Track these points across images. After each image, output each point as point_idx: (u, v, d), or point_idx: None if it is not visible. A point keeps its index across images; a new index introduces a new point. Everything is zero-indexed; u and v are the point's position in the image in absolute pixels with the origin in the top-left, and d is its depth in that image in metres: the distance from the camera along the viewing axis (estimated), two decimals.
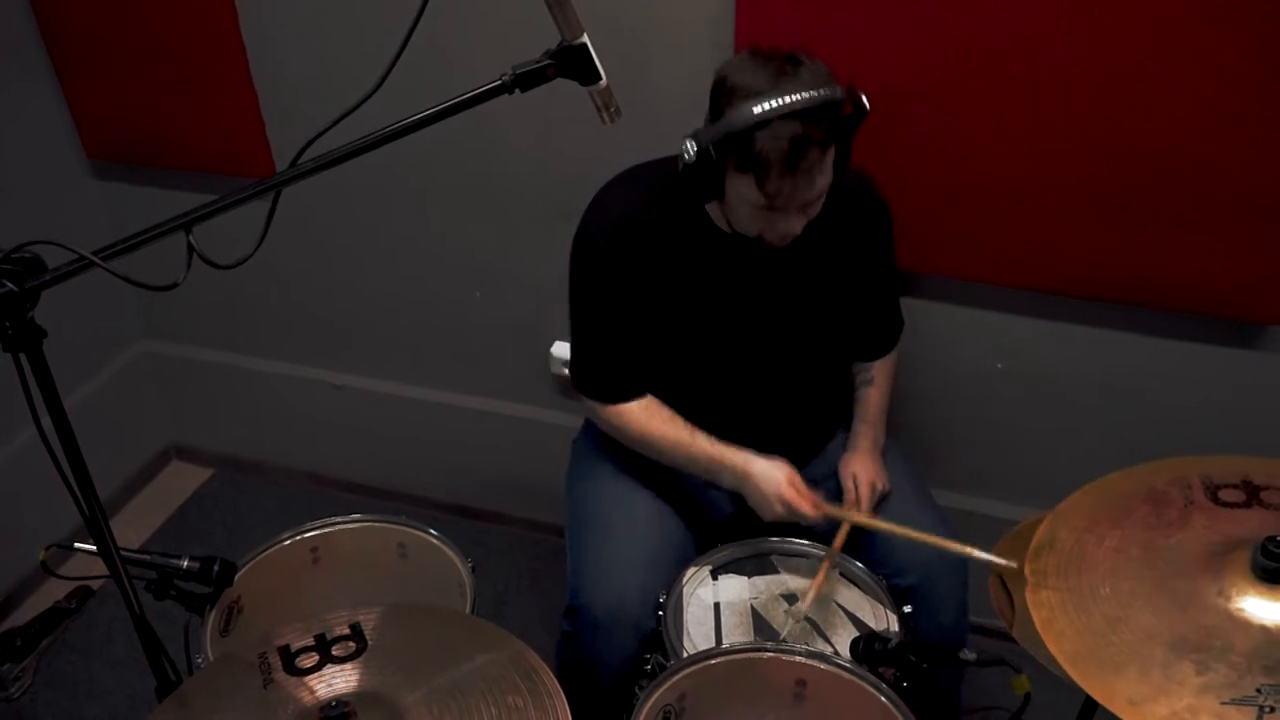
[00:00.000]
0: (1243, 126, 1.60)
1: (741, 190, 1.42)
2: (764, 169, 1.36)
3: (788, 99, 1.33)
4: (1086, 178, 1.72)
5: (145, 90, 2.23)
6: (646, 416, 1.66)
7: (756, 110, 1.33)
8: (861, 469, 1.72)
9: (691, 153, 1.38)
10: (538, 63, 1.04)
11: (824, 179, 1.42)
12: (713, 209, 1.57)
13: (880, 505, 1.72)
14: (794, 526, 1.75)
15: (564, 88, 1.07)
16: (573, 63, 1.04)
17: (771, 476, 1.58)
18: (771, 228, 1.47)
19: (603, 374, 1.67)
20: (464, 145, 2.08)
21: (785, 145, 1.34)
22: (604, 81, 1.06)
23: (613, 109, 1.09)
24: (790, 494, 1.57)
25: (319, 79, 2.06)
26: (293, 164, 1.04)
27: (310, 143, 1.05)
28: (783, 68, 1.36)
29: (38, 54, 2.26)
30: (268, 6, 2.06)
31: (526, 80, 1.04)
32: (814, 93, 1.34)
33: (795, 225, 1.46)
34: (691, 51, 1.83)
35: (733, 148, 1.36)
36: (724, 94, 1.38)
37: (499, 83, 1.04)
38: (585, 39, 1.03)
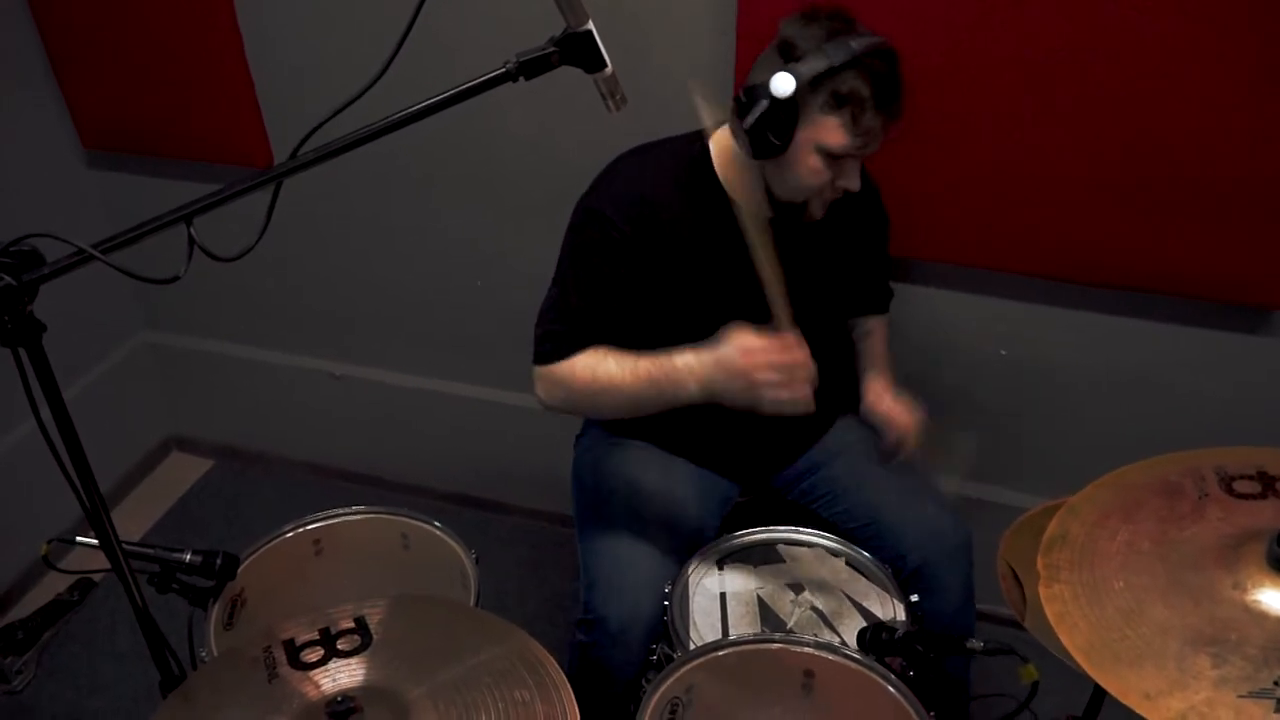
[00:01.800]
0: (1245, 111, 1.59)
1: (824, 134, 1.38)
2: (861, 103, 1.35)
3: (873, 40, 1.34)
4: (1090, 162, 1.71)
5: (141, 80, 2.21)
6: (591, 358, 1.51)
7: (854, 45, 1.33)
8: (889, 403, 1.72)
9: (785, 90, 1.34)
10: (542, 50, 1.02)
11: (889, 132, 1.42)
12: (737, 184, 1.53)
13: (877, 483, 1.72)
14: (804, 514, 1.75)
15: (565, 76, 1.06)
16: (578, 50, 1.02)
17: (730, 346, 1.39)
18: (831, 183, 1.45)
19: (562, 337, 1.54)
20: (465, 134, 2.06)
21: (881, 80, 1.35)
22: (609, 69, 1.04)
23: (618, 96, 1.07)
24: (760, 345, 1.37)
25: (316, 68, 2.04)
26: (293, 154, 1.03)
27: (311, 133, 1.03)
28: (847, 20, 1.38)
29: (33, 45, 2.24)
30: None
31: (531, 68, 1.02)
32: (884, 39, 1.36)
33: (854, 181, 1.45)
34: (693, 39, 1.81)
35: (827, 85, 1.35)
36: (803, 40, 1.36)
37: (503, 70, 1.02)
38: (590, 25, 1.01)
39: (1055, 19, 1.60)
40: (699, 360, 1.43)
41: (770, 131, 1.39)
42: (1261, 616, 0.94)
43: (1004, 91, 1.68)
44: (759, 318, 1.59)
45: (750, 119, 1.38)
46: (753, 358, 1.37)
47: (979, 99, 1.70)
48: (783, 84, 1.35)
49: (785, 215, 1.51)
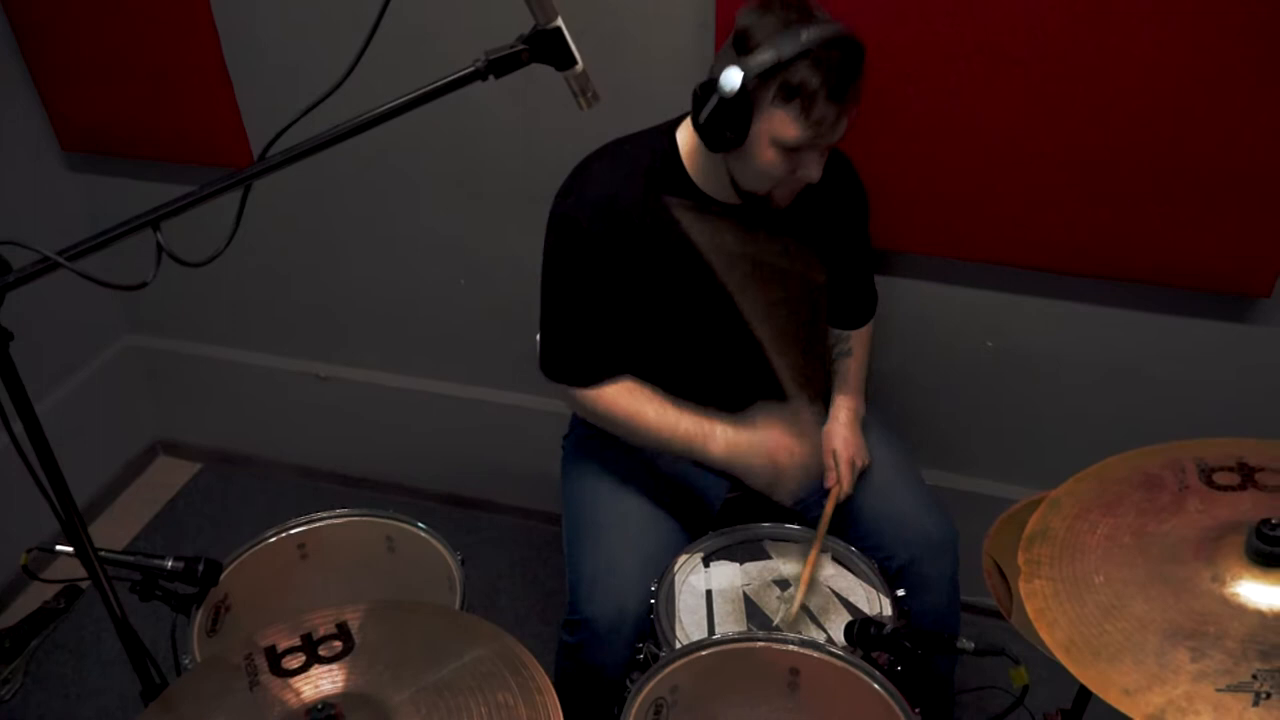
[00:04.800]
0: (1228, 100, 1.59)
1: (778, 127, 1.38)
2: (811, 95, 1.34)
3: (827, 30, 1.33)
4: (1072, 153, 1.70)
5: (119, 83, 2.19)
6: (629, 397, 1.62)
7: (804, 36, 1.32)
8: (841, 444, 1.70)
9: (733, 85, 1.34)
10: (511, 48, 1.01)
11: (848, 119, 1.41)
12: (704, 176, 1.53)
13: (862, 479, 1.71)
14: (786, 511, 1.74)
15: (545, 72, 1.05)
16: (547, 47, 1.01)
17: (768, 435, 1.55)
18: (793, 173, 1.44)
19: (577, 357, 1.63)
20: (446, 133, 2.05)
21: (833, 70, 1.33)
22: (580, 66, 1.03)
23: (589, 94, 1.06)
24: (796, 445, 1.55)
25: (294, 67, 2.03)
26: (261, 157, 1.01)
27: (279, 135, 1.02)
28: (804, 9, 1.37)
29: (9, 47, 2.22)
30: None
31: (500, 66, 1.01)
32: (843, 28, 1.35)
33: (814, 172, 1.44)
34: (674, 32, 1.80)
35: (777, 78, 1.34)
36: (756, 32, 1.36)
37: (472, 69, 1.01)
38: (560, 22, 1.00)
39: (1040, 10, 1.59)
40: (736, 435, 1.57)
41: (724, 126, 1.39)
42: (1240, 610, 0.93)
43: (986, 82, 1.67)
44: (730, 312, 1.60)
45: (704, 114, 1.38)
46: (790, 458, 1.55)
47: (960, 89, 1.69)
48: (730, 79, 1.35)
49: (752, 204, 1.51)
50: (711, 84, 1.37)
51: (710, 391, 1.66)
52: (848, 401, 1.76)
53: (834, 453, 1.69)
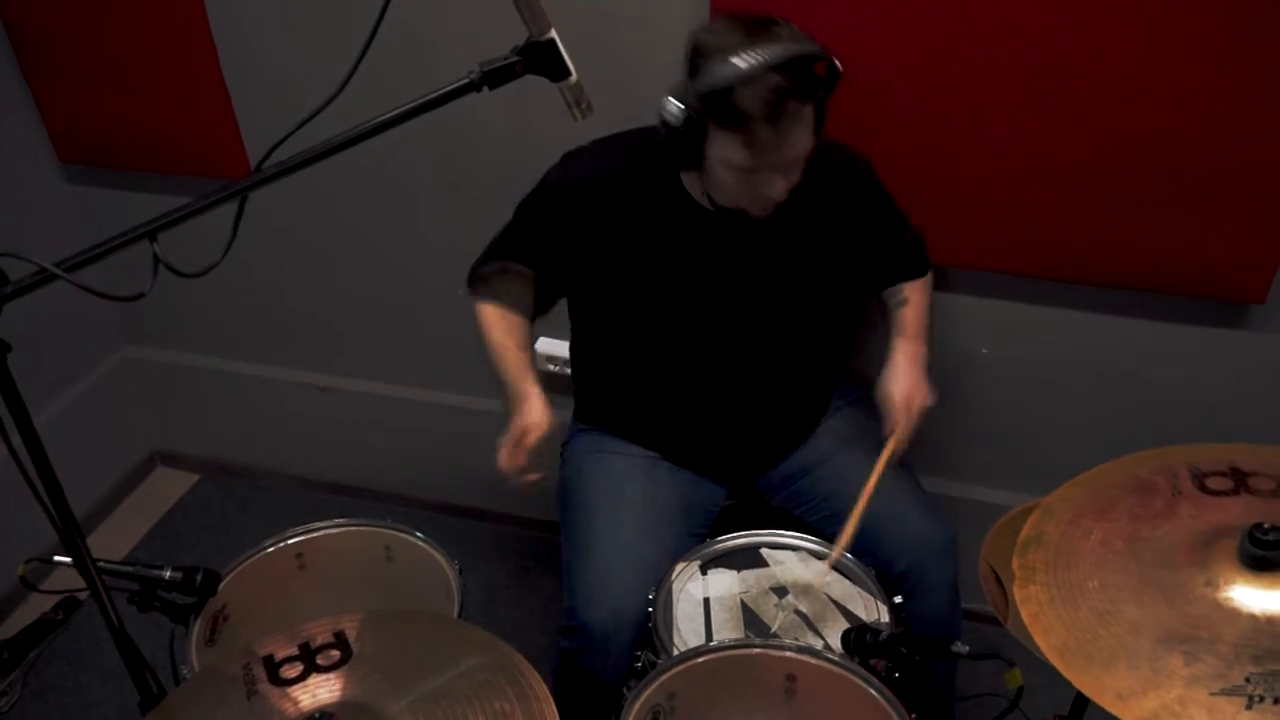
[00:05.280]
0: (1222, 108, 1.60)
1: (724, 152, 1.39)
2: (747, 122, 1.34)
3: (767, 52, 1.32)
4: (1068, 162, 1.71)
5: (117, 94, 2.20)
6: (494, 319, 1.70)
7: (737, 62, 1.31)
8: (896, 385, 1.65)
9: (675, 113, 1.36)
10: (505, 59, 1.02)
11: (805, 138, 1.40)
12: (692, 183, 1.54)
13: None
14: (784, 519, 1.75)
15: (540, 82, 1.06)
16: (541, 59, 1.02)
17: (518, 420, 1.59)
18: (754, 193, 1.45)
19: (482, 265, 1.72)
20: (443, 142, 2.06)
21: (769, 96, 1.33)
22: (574, 77, 1.04)
23: (583, 105, 1.07)
24: (506, 441, 1.58)
25: (292, 78, 2.04)
26: (257, 169, 1.02)
27: (276, 146, 1.03)
28: (758, 27, 1.36)
29: (7, 59, 2.23)
30: (238, 6, 2.04)
31: (494, 78, 1.02)
32: (792, 46, 1.33)
33: (777, 190, 1.45)
34: (669, 39, 1.80)
35: (715, 105, 1.35)
36: (702, 55, 1.36)
37: (467, 80, 1.02)
38: (553, 34, 1.01)
39: (1038, 18, 1.60)
40: (519, 403, 1.60)
41: (679, 149, 1.41)
42: (1233, 614, 0.94)
43: (984, 90, 1.68)
44: (717, 315, 1.61)
45: (661, 140, 1.41)
46: (505, 440, 1.58)
47: (959, 97, 1.70)
48: (669, 108, 1.37)
49: (729, 214, 1.51)
50: (659, 108, 1.38)
51: (700, 398, 1.67)
52: (905, 345, 1.70)
53: (888, 395, 1.64)
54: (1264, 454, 1.12)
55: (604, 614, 1.56)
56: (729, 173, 1.42)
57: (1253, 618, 0.93)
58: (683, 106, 1.35)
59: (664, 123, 1.40)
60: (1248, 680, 0.88)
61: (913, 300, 1.74)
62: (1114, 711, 0.88)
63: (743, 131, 1.36)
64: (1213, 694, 0.87)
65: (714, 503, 1.79)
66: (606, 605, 1.56)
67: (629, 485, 1.72)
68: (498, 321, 1.69)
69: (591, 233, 1.56)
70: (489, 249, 1.73)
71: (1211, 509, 1.05)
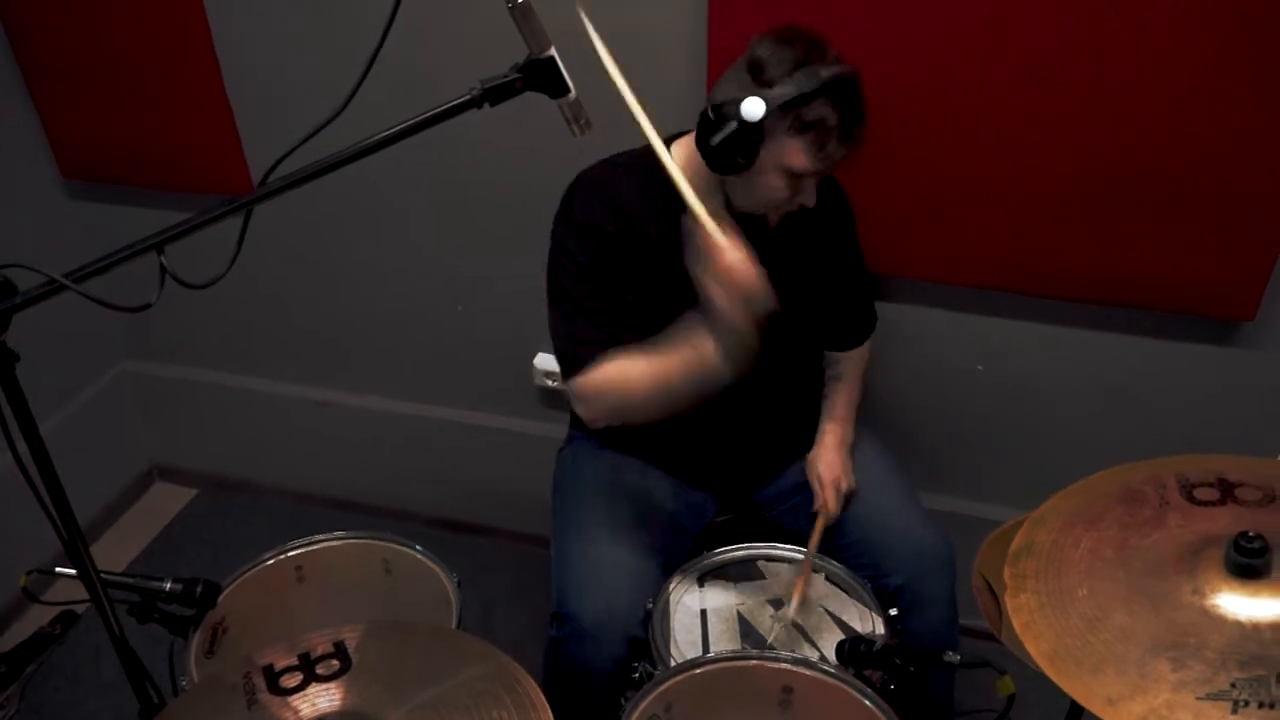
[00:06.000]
0: (1212, 126, 1.62)
1: (788, 156, 1.42)
2: (827, 130, 1.39)
3: (842, 68, 1.39)
4: (1061, 182, 1.73)
5: (120, 110, 2.22)
6: (621, 370, 1.47)
7: (823, 74, 1.37)
8: (825, 467, 1.72)
9: (756, 114, 1.37)
10: (505, 76, 1.04)
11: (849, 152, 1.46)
12: (699, 195, 1.54)
13: (857, 499, 1.73)
14: (780, 531, 1.76)
15: (540, 99, 1.08)
16: (541, 76, 1.04)
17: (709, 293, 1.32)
18: (791, 199, 1.49)
19: (588, 348, 1.50)
20: (442, 158, 2.08)
21: (849, 109, 1.40)
22: (573, 94, 1.06)
23: (583, 121, 1.09)
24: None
25: (294, 94, 2.06)
26: (261, 183, 1.04)
27: (279, 162, 1.05)
28: (819, 47, 1.41)
29: (11, 75, 2.25)
30: (241, 23, 2.06)
31: (495, 94, 1.04)
32: (851, 68, 1.40)
33: (811, 197, 1.50)
34: (666, 57, 1.84)
35: (793, 110, 1.39)
36: (768, 66, 1.40)
37: (468, 97, 1.04)
38: (553, 51, 1.03)
39: (1027, 37, 1.63)
40: (693, 325, 1.35)
41: (736, 151, 1.41)
42: (1219, 621, 0.95)
43: (975, 108, 1.71)
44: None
45: (718, 138, 1.41)
46: (735, 271, 1.28)
47: (950, 116, 1.73)
48: (754, 108, 1.38)
49: (742, 224, 1.53)
50: (722, 108, 1.39)
51: (702, 417, 1.68)
52: (834, 427, 1.78)
53: (819, 477, 1.72)
54: (1251, 465, 1.13)
55: (594, 605, 1.57)
56: (781, 177, 1.45)
57: (1238, 624, 0.95)
58: (768, 108, 1.37)
59: (726, 122, 1.39)
60: (1233, 685, 0.89)
61: (847, 378, 1.82)
62: (1104, 716, 0.89)
63: (818, 139, 1.40)
64: (1199, 699, 0.89)
65: (706, 508, 1.80)
66: (599, 595, 1.57)
67: (623, 485, 1.74)
68: (625, 367, 1.47)
69: (624, 242, 1.55)
70: (569, 331, 1.53)
71: (1199, 519, 1.06)
